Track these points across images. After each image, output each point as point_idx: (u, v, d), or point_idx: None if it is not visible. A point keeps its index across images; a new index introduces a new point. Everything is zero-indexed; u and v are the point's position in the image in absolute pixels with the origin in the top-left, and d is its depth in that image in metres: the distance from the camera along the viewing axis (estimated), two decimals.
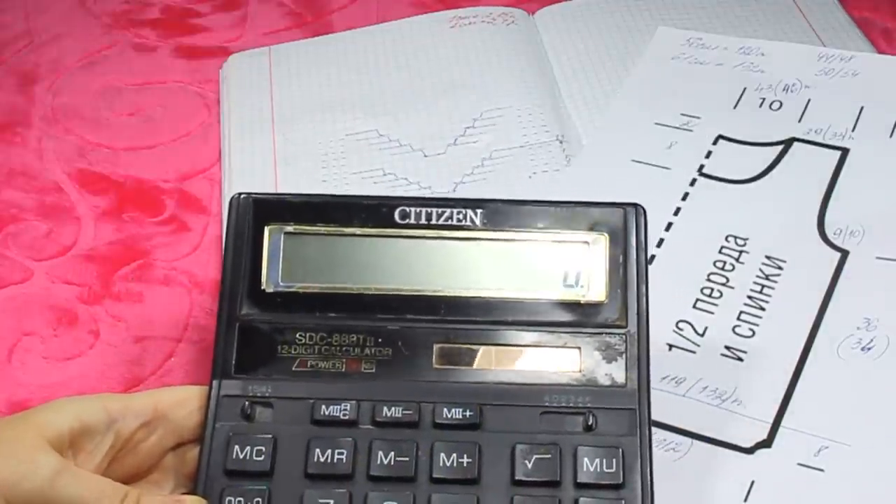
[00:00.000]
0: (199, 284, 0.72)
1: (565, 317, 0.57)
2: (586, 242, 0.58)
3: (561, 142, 0.77)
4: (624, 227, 0.58)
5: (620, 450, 0.53)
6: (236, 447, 0.54)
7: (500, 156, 0.77)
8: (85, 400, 0.53)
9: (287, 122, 0.81)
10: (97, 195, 0.78)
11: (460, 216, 0.58)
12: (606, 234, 0.58)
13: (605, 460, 0.53)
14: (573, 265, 0.57)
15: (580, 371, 0.56)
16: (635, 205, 0.58)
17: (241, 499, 0.53)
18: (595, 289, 0.57)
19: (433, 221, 0.58)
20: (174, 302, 0.71)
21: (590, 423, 0.54)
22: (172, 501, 0.52)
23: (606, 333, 0.56)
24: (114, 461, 0.53)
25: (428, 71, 0.84)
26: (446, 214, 0.58)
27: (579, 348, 0.56)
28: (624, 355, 0.56)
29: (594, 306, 0.57)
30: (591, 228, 0.58)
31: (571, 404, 0.55)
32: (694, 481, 0.57)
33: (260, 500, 0.53)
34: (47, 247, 0.75)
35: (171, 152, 0.81)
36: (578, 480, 0.53)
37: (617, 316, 0.56)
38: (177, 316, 0.70)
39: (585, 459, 0.53)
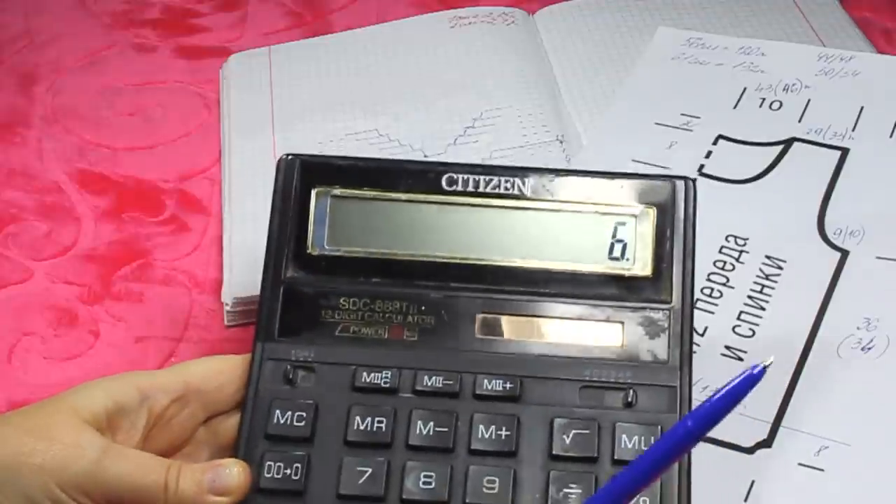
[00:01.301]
0: (199, 284, 0.72)
1: (610, 290, 0.56)
2: (634, 215, 0.57)
3: (561, 142, 0.77)
4: (672, 201, 0.57)
5: (659, 427, 0.53)
6: (277, 412, 0.54)
7: (501, 156, 0.77)
8: (116, 379, 0.54)
9: (287, 122, 0.81)
10: (97, 195, 0.78)
11: (508, 184, 0.58)
12: (654, 207, 0.57)
13: (643, 438, 0.53)
14: (620, 238, 0.57)
15: (622, 346, 0.55)
16: (685, 178, 0.58)
17: (280, 464, 0.53)
18: (641, 263, 0.57)
19: (480, 189, 0.58)
20: (174, 302, 0.71)
21: (630, 399, 0.54)
22: (212, 466, 0.52)
23: (650, 309, 0.56)
24: (148, 438, 0.53)
25: (428, 71, 0.84)
26: (494, 182, 0.58)
27: (622, 323, 0.56)
28: (667, 332, 0.55)
29: (639, 280, 0.56)
30: (639, 201, 0.57)
31: (612, 379, 0.55)
32: (694, 481, 0.57)
33: (299, 465, 0.53)
34: (47, 247, 0.75)
35: (171, 152, 0.81)
36: (616, 457, 0.53)
37: (662, 291, 0.56)
38: (177, 316, 0.70)
39: (624, 436, 0.53)
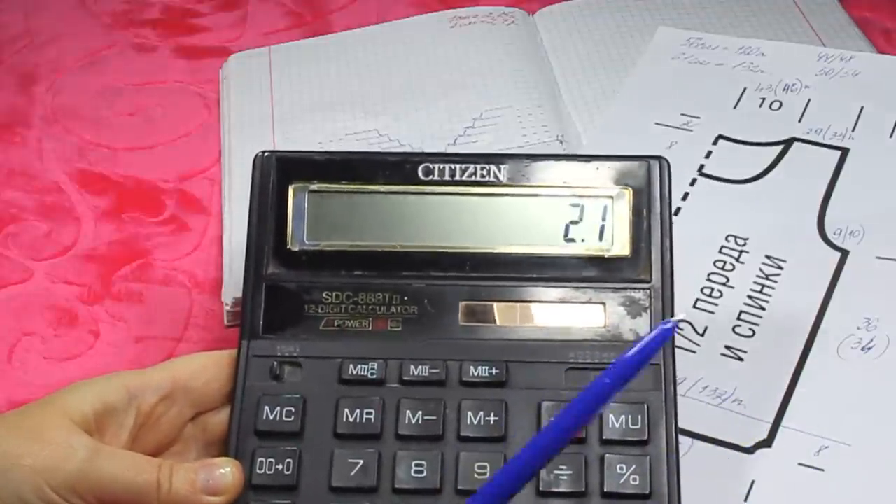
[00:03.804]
0: (199, 284, 0.72)
1: (590, 272, 0.57)
2: (610, 197, 0.58)
3: (561, 142, 0.77)
4: (647, 181, 0.58)
5: (646, 405, 0.53)
6: (266, 408, 0.54)
7: None
8: (104, 380, 0.54)
9: (287, 122, 0.81)
10: (97, 195, 0.78)
11: (484, 172, 0.58)
12: (630, 188, 0.57)
13: (630, 416, 0.53)
14: (597, 219, 0.57)
15: (605, 327, 0.56)
16: (659, 157, 0.58)
17: (272, 459, 0.53)
18: (619, 243, 0.57)
19: (457, 177, 0.58)
20: (174, 302, 0.71)
21: None
22: (205, 465, 0.52)
23: (631, 288, 0.56)
24: (137, 437, 0.54)
25: (428, 71, 0.84)
26: (470, 170, 0.58)
27: (604, 304, 0.56)
28: (648, 310, 0.56)
29: (618, 261, 0.57)
30: (615, 182, 0.58)
31: (596, 360, 0.55)
32: (694, 481, 0.57)
33: (291, 460, 0.53)
34: (47, 247, 0.75)
35: (171, 152, 0.81)
36: (604, 437, 0.53)
37: (641, 270, 0.56)
38: (177, 316, 0.70)
39: (611, 416, 0.53)
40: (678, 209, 0.71)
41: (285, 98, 0.83)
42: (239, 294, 0.67)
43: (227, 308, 0.69)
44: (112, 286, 0.72)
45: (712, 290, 0.66)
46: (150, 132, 0.83)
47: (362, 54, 0.86)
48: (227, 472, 0.52)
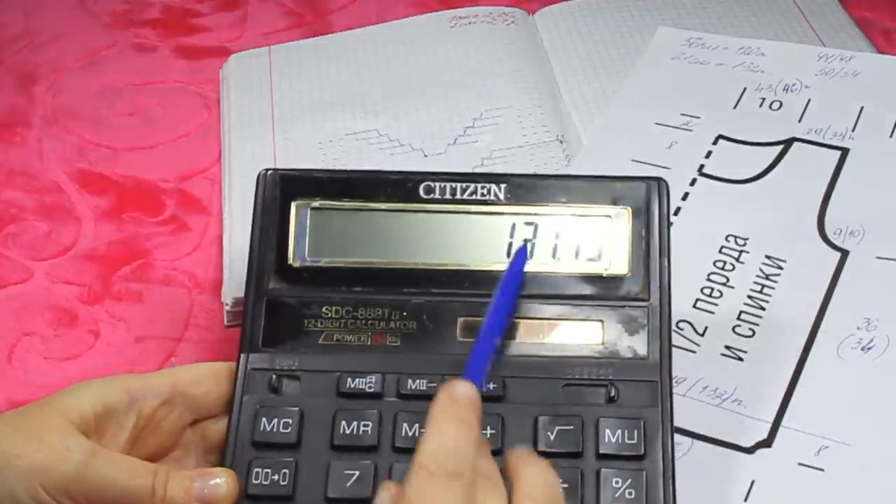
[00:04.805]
0: (199, 284, 0.72)
1: (588, 290, 0.57)
2: (609, 216, 0.58)
3: (561, 142, 0.77)
4: (646, 201, 0.58)
5: (642, 421, 0.54)
6: (264, 419, 0.54)
7: (500, 156, 0.77)
8: (105, 382, 0.54)
9: (287, 122, 0.81)
10: (97, 195, 0.78)
11: (484, 191, 0.59)
12: (629, 208, 0.58)
13: (626, 432, 0.53)
14: (596, 239, 0.58)
15: (602, 344, 0.56)
16: (658, 179, 0.59)
17: (268, 470, 0.53)
18: (617, 262, 0.57)
19: (457, 196, 0.59)
20: (174, 302, 0.71)
21: (612, 395, 0.54)
22: (200, 474, 0.52)
23: (629, 306, 0.57)
24: (136, 441, 0.54)
25: (428, 71, 0.84)
26: (470, 189, 0.59)
27: (602, 321, 0.56)
28: (646, 328, 0.56)
29: (617, 279, 0.57)
30: (614, 202, 0.58)
31: (593, 377, 0.55)
32: (694, 481, 0.57)
33: (287, 471, 0.53)
34: (47, 247, 0.75)
35: (171, 152, 0.81)
36: (600, 451, 0.53)
37: (639, 289, 0.57)
38: (177, 316, 0.70)
39: (607, 431, 0.54)
40: (678, 209, 0.71)
41: (285, 98, 0.83)
42: (239, 294, 0.68)
43: (227, 308, 0.69)
44: (112, 286, 0.72)
45: (712, 290, 0.66)
46: (150, 132, 0.83)
47: (362, 54, 0.86)
48: (221, 482, 0.52)
